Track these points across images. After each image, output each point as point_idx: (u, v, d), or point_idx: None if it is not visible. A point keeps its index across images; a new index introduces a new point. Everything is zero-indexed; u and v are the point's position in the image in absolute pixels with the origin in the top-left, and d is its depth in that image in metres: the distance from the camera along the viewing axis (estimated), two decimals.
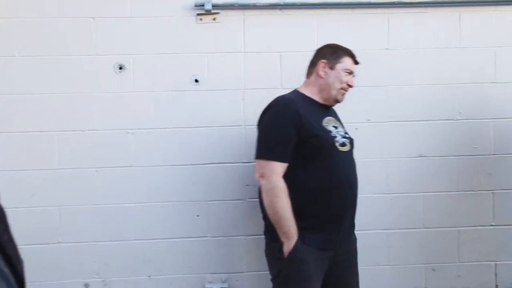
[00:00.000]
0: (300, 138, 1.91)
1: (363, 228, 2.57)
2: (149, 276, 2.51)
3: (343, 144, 2.00)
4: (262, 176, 1.92)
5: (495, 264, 2.65)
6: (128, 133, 2.47)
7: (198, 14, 2.47)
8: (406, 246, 2.61)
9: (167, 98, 2.48)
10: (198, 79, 2.48)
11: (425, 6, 2.57)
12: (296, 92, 2.11)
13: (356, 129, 2.57)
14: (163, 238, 2.50)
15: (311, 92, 2.09)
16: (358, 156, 2.54)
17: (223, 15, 2.48)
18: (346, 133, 2.09)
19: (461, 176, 2.62)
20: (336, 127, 2.05)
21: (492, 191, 2.63)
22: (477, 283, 2.63)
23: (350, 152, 2.04)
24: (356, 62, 2.11)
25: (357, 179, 2.06)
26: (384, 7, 2.56)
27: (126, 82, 2.47)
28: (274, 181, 1.88)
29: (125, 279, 2.50)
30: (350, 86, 2.09)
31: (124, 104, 2.47)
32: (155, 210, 2.49)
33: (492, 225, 2.63)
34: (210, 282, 2.50)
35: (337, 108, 2.57)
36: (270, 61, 2.50)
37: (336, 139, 1.98)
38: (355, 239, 2.13)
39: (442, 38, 2.60)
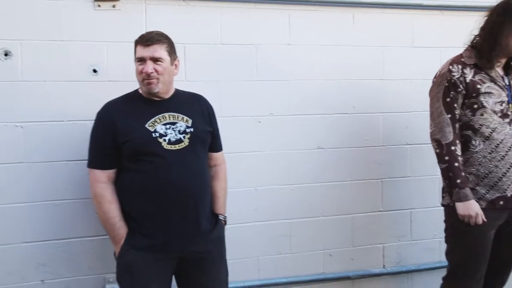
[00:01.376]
0: (117, 143, 1.91)
1: (266, 219, 2.67)
2: (42, 280, 2.33)
3: (177, 142, 1.91)
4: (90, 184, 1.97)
5: (383, 247, 2.89)
6: (17, 126, 2.25)
7: (96, 0, 2.32)
8: (306, 234, 2.74)
9: (61, 89, 2.30)
10: (96, 69, 2.34)
11: (323, 5, 2.69)
12: (132, 92, 2.05)
13: (259, 122, 2.63)
14: (57, 239, 2.33)
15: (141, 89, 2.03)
16: (261, 148, 2.63)
17: (123, 2, 2.36)
18: (189, 127, 1.96)
19: (354, 166, 2.80)
20: (173, 124, 1.94)
21: (381, 180, 2.86)
22: (367, 264, 2.86)
23: (187, 149, 1.93)
24: (146, 45, 1.91)
25: (195, 177, 1.94)
26: (286, 3, 2.63)
27: (13, 70, 2.24)
28: (95, 189, 1.94)
29: (14, 286, 2.29)
30: (147, 74, 1.90)
31: (10, 95, 2.24)
32: (48, 209, 2.31)
33: (380, 211, 2.87)
34: (110, 282, 2.40)
35: (240, 100, 2.60)
36: None
37: (165, 138, 1.90)
38: (215, 238, 2.03)
39: (339, 36, 2.74)
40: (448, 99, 2.12)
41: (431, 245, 2.91)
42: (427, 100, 2.29)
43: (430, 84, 2.28)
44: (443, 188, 2.25)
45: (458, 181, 2.08)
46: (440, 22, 2.85)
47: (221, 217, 2.09)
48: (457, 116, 2.13)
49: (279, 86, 2.65)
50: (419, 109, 2.78)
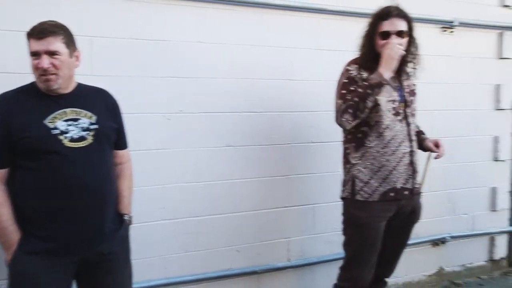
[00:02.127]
0: (11, 140, 1.77)
1: (174, 217, 2.65)
2: None
3: (79, 139, 1.81)
4: None
5: (288, 241, 3.01)
6: None
7: None
8: (214, 232, 2.76)
9: None
10: None
11: (235, 4, 2.71)
12: (28, 85, 1.89)
13: (169, 119, 2.59)
14: None
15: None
16: (169, 145, 2.60)
17: None
18: (93, 123, 1.87)
19: (261, 163, 2.88)
20: (75, 120, 1.83)
21: (286, 176, 2.96)
22: (273, 259, 2.95)
23: (91, 147, 1.84)
24: (39, 38, 1.76)
25: (99, 176, 1.86)
26: (199, 1, 2.61)
27: None
28: None
29: None
30: (44, 69, 1.76)
31: None
32: None
33: (286, 207, 2.97)
34: None
35: (149, 96, 2.54)
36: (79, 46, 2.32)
37: (66, 135, 1.79)
38: (120, 238, 1.98)
39: (250, 36, 2.79)
40: (344, 91, 2.24)
41: (332, 238, 3.07)
42: (331, 100, 2.40)
43: (334, 85, 2.40)
44: (343, 182, 2.39)
45: (365, 88, 2.17)
46: (344, 27, 3.01)
47: (126, 217, 2.03)
48: None
49: (190, 83, 2.63)
50: (324, 109, 2.91)
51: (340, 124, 2.26)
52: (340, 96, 2.25)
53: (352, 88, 2.21)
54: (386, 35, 2.22)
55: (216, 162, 2.74)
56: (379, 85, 2.15)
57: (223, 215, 2.78)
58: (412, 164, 2.30)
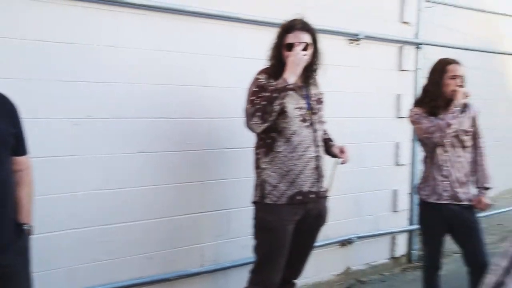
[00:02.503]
0: None
1: (83, 226, 2.55)
2: None
3: None
4: None
5: (202, 246, 3.01)
6: None
7: None
8: (126, 239, 2.69)
9: None
10: None
11: (150, 10, 2.68)
12: None
13: (76, 124, 2.49)
14: None
15: None
16: (77, 151, 2.50)
17: None
18: None
19: (176, 169, 2.86)
20: None
21: (200, 182, 2.97)
22: (186, 265, 2.94)
23: None
24: None
25: None
26: (113, 4, 2.55)
27: None
28: None
29: None
30: None
31: None
32: None
33: (200, 212, 2.98)
34: None
35: (55, 101, 2.44)
36: None
37: None
38: (19, 249, 1.87)
39: (165, 42, 2.77)
40: (253, 97, 2.29)
41: (246, 242, 3.11)
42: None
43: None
44: (254, 186, 2.45)
45: (271, 91, 2.23)
46: (258, 36, 3.08)
47: (25, 227, 1.92)
48: None
49: (99, 88, 2.55)
50: (238, 116, 2.94)
51: (249, 127, 2.32)
52: (249, 102, 2.31)
53: (261, 95, 2.28)
54: (290, 47, 2.32)
55: (127, 169, 2.68)
56: (284, 89, 2.24)
57: (135, 223, 2.72)
58: (318, 168, 2.40)
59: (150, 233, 2.78)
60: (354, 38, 3.58)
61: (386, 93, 3.89)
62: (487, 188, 2.82)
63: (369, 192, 3.85)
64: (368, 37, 3.63)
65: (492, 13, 4.82)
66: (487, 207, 2.84)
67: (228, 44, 3.02)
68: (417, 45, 3.99)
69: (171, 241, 2.87)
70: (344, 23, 3.52)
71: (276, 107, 2.24)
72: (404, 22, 3.91)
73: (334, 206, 3.43)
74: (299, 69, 2.29)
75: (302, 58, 2.28)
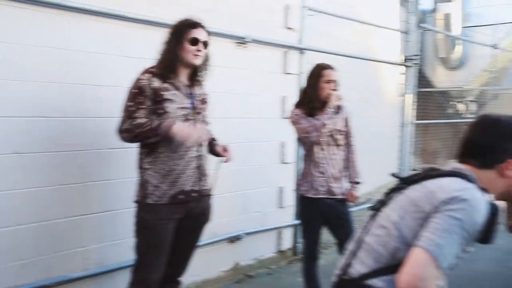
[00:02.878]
0: None
1: None
2: None
3: None
4: None
5: (85, 250, 2.91)
6: None
7: None
8: None
9: None
10: None
11: (35, 4, 2.54)
12: None
13: None
14: None
15: None
16: None
17: None
18: None
19: (57, 171, 2.74)
20: None
21: (84, 183, 2.88)
22: (67, 269, 2.82)
23: None
24: None
25: None
26: None
27: None
28: None
29: None
30: None
31: None
32: None
33: (83, 215, 2.88)
34: None
35: None
36: None
37: None
38: None
39: (49, 38, 2.63)
40: (131, 103, 2.31)
41: (132, 243, 3.09)
42: None
43: None
44: (137, 186, 2.44)
45: (154, 125, 2.27)
46: (146, 35, 3.06)
47: None
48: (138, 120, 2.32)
49: None
50: None
51: (119, 136, 2.34)
52: (126, 109, 2.31)
53: (139, 100, 2.29)
54: (195, 41, 2.36)
55: (1, 171, 2.50)
56: (163, 136, 2.28)
57: (8, 228, 2.55)
58: (200, 167, 2.45)
59: (27, 239, 2.63)
60: (241, 41, 3.71)
61: (272, 95, 4.08)
62: (357, 183, 3.11)
63: (256, 189, 4.01)
64: (255, 41, 3.79)
65: (368, 24, 5.27)
66: (357, 200, 3.12)
67: (116, 43, 2.96)
68: (301, 50, 4.25)
69: (51, 246, 2.74)
70: (232, 26, 3.63)
71: (150, 140, 2.30)
72: (289, 28, 4.14)
73: (222, 204, 3.54)
74: (188, 140, 2.32)
75: (195, 136, 2.33)
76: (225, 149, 2.62)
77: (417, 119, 7.06)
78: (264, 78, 3.99)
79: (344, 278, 1.45)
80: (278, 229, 4.26)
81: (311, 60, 4.28)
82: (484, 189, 1.40)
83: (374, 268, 1.39)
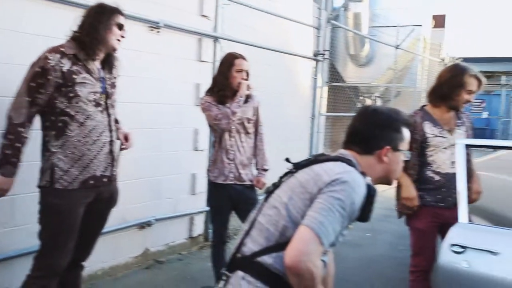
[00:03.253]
0: None
1: None
2: None
3: None
4: None
5: None
6: None
7: None
8: None
9: None
10: None
11: None
12: None
13: None
14: None
15: None
16: None
17: None
18: None
19: None
20: None
21: None
22: None
23: None
24: None
25: None
26: None
27: None
28: None
29: None
30: None
31: None
32: None
33: None
34: None
35: None
36: None
37: None
38: None
39: None
40: (33, 84, 2.22)
41: (33, 229, 2.96)
42: None
43: None
44: (40, 170, 2.35)
45: (13, 159, 2.24)
46: (51, 13, 2.93)
47: None
48: (39, 101, 2.24)
49: None
50: None
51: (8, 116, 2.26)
52: (27, 89, 2.23)
53: (41, 82, 2.21)
54: (121, 26, 2.39)
55: None
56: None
57: None
58: (111, 153, 2.44)
59: None
60: (154, 25, 3.67)
61: (186, 82, 4.09)
62: (265, 170, 3.24)
63: (169, 175, 4.01)
64: (168, 26, 3.76)
65: (282, 17, 5.42)
66: (264, 186, 3.25)
67: (15, 19, 2.79)
68: (215, 38, 4.29)
69: None
70: (145, 10, 3.58)
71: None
72: (204, 16, 4.16)
73: (132, 189, 3.51)
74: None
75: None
76: (126, 137, 2.60)
77: (328, 112, 7.45)
78: (178, 65, 3.99)
79: (237, 256, 1.54)
80: (190, 215, 4.30)
81: (226, 49, 4.34)
82: (364, 173, 1.55)
83: (265, 246, 1.48)
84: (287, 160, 1.72)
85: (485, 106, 17.59)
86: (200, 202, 4.38)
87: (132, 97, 3.55)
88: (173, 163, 4.04)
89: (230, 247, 3.42)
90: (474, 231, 2.28)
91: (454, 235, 2.21)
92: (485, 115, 17.04)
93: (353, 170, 1.51)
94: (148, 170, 3.78)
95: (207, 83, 4.18)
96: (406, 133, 1.64)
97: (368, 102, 10.54)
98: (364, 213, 1.50)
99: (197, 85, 4.17)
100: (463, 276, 2.10)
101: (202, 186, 4.36)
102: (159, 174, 3.91)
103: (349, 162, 1.55)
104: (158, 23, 3.66)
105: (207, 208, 4.40)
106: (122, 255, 3.66)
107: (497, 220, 3.03)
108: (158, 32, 3.73)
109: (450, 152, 2.69)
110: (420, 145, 2.72)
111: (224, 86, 3.03)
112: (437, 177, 2.72)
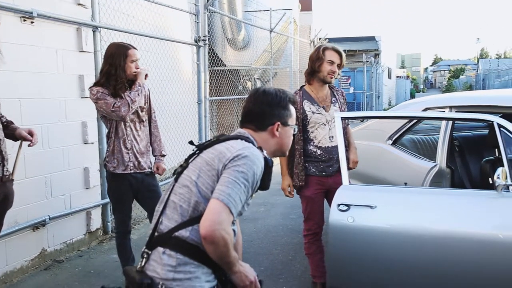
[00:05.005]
0: None
1: None
2: None
3: None
4: None
5: None
6: None
7: None
8: None
9: None
10: None
11: None
12: None
13: None
14: None
15: None
16: None
17: None
18: None
19: None
20: None
21: None
22: None
23: None
24: None
25: None
26: None
27: None
28: None
29: None
30: None
31: None
32: None
33: None
34: None
35: None
36: None
37: None
38: None
39: None
40: None
41: None
42: None
43: None
44: None
45: None
46: None
47: None
48: None
49: None
50: None
51: None
52: None
53: None
54: None
55: None
56: None
57: None
58: (1, 153, 2.34)
59: None
60: (27, 15, 3.47)
61: (68, 74, 3.94)
62: (163, 155, 3.31)
63: (60, 172, 3.87)
64: (42, 16, 3.58)
65: (160, 4, 5.41)
66: (164, 171, 3.33)
67: None
68: (94, 27, 4.17)
69: None
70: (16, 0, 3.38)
71: None
72: (80, 4, 4.02)
73: (23, 190, 3.36)
74: None
75: None
76: (31, 133, 2.53)
77: (212, 96, 7.62)
78: (58, 56, 3.82)
79: (155, 234, 1.66)
80: (86, 210, 4.19)
81: (106, 39, 4.27)
82: (261, 148, 1.76)
83: (180, 222, 1.63)
84: (191, 142, 1.86)
85: (351, 82, 19.26)
86: (95, 196, 4.30)
87: (11, 92, 3.36)
88: (63, 159, 3.89)
89: (135, 238, 3.45)
90: (355, 191, 2.63)
91: (339, 196, 2.53)
92: (351, 90, 18.64)
93: (251, 146, 1.71)
94: (37, 168, 3.61)
95: (91, 74, 4.12)
96: (293, 109, 1.87)
97: (249, 84, 10.96)
98: (264, 182, 1.71)
99: (81, 77, 4.05)
100: (349, 230, 2.43)
101: (96, 180, 4.29)
102: (49, 171, 3.75)
103: (247, 139, 1.74)
104: (31, 13, 3.46)
105: (104, 201, 4.35)
106: (16, 259, 3.48)
107: (372, 181, 3.50)
108: (32, 22, 3.54)
109: (328, 128, 3.02)
110: (302, 123, 3.02)
111: (121, 77, 2.97)
112: (319, 151, 3.03)
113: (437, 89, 61.57)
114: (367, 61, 18.87)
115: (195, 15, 5.83)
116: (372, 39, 24.67)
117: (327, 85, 3.08)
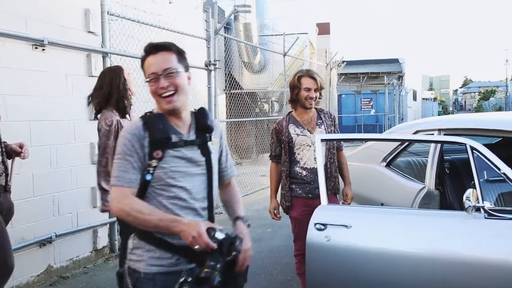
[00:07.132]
0: None
1: None
2: None
3: None
4: None
5: None
6: None
7: None
8: None
9: None
10: None
11: None
12: None
13: None
14: None
15: None
16: None
17: None
18: None
19: None
20: None
21: None
22: None
23: None
24: None
25: None
26: None
27: None
28: None
29: None
30: None
31: None
32: None
33: None
34: None
35: None
36: None
37: None
38: None
39: None
40: None
41: None
42: None
43: None
44: None
45: None
46: None
47: None
48: None
49: None
50: None
51: None
52: None
53: None
54: None
55: None
56: None
57: None
58: (3, 162, 2.54)
59: None
60: (39, 43, 3.71)
61: (77, 97, 4.14)
62: None
63: (68, 191, 4.04)
64: (53, 43, 3.81)
65: (170, 30, 5.61)
66: None
67: None
68: (104, 53, 4.40)
69: None
70: (27, 28, 3.62)
71: None
72: (90, 32, 4.26)
73: (31, 208, 3.53)
74: None
75: None
76: (21, 146, 2.71)
77: (229, 118, 7.78)
78: (68, 81, 4.04)
79: None
80: (93, 228, 4.34)
81: (118, 63, 4.47)
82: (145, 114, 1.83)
83: None
84: None
85: (373, 104, 19.19)
86: (102, 214, 4.41)
87: (20, 116, 3.57)
88: (71, 178, 4.07)
89: None
90: (332, 211, 2.67)
91: (316, 215, 2.58)
92: (372, 112, 18.57)
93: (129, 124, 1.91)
94: (46, 187, 3.79)
95: None
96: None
97: (266, 106, 11.10)
98: (154, 131, 1.73)
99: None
100: (325, 249, 2.47)
101: None
102: (57, 190, 3.92)
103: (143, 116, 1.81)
104: (42, 41, 3.70)
105: (111, 220, 4.49)
106: (22, 275, 3.63)
107: (366, 202, 3.52)
108: (44, 50, 3.77)
109: (313, 149, 3.07)
110: (288, 145, 3.09)
111: (123, 98, 3.13)
112: (304, 172, 3.09)
113: (467, 111, 60.42)
114: (389, 83, 18.81)
115: (207, 40, 6.02)
116: (395, 61, 24.62)
117: (313, 109, 3.16)
